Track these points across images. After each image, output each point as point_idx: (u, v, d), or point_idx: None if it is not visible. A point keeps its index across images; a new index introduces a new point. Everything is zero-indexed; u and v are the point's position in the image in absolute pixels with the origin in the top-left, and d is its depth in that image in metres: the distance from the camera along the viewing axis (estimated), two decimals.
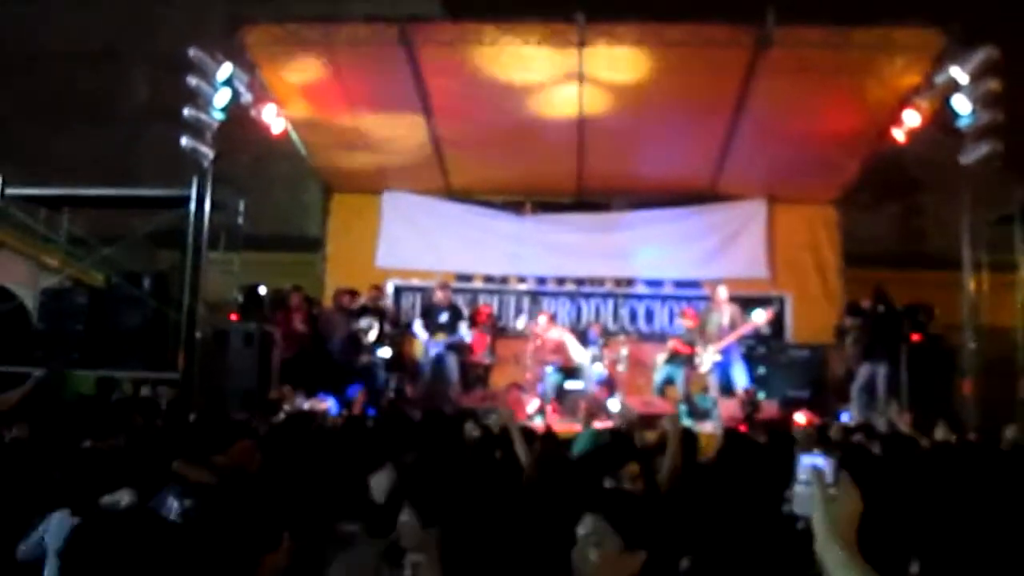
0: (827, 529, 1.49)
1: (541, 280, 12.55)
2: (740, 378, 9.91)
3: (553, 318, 11.11)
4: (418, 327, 10.60)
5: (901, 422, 7.48)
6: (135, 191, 10.20)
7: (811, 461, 1.57)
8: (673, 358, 10.30)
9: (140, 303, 9.56)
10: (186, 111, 8.74)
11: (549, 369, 10.68)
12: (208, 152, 8.99)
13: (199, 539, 2.37)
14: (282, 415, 7.76)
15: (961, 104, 8.64)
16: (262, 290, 10.46)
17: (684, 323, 10.50)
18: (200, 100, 8.88)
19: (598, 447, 4.87)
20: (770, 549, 2.05)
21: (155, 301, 9.56)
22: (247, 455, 3.73)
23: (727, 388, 9.96)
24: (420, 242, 12.52)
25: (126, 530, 2.07)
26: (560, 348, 10.41)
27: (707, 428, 8.85)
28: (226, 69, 8.96)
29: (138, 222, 10.56)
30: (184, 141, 8.74)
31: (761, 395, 9.89)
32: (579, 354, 10.41)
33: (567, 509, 2.21)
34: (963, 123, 8.67)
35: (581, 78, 9.88)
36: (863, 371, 9.37)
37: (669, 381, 10.32)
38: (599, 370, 10.60)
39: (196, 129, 8.87)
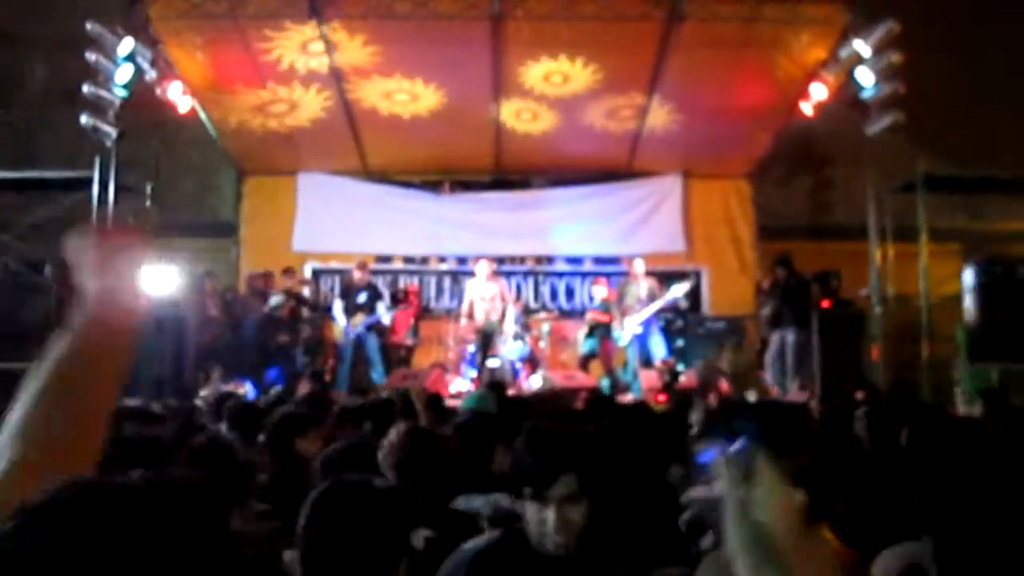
0: (753, 551, 1.05)
1: (461, 260, 12.46)
2: (658, 350, 10.06)
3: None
4: (337, 309, 10.43)
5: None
6: (31, 173, 9.73)
7: (710, 452, 1.17)
8: (593, 331, 10.40)
9: (42, 291, 9.14)
10: (86, 88, 8.38)
11: (472, 347, 10.67)
12: (111, 131, 8.64)
13: None
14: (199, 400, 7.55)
15: (865, 77, 8.93)
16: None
17: (597, 291, 10.66)
18: (100, 77, 8.52)
19: None
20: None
21: (59, 289, 9.16)
22: None
23: (646, 360, 10.10)
24: (337, 224, 12.30)
25: None
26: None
27: (628, 399, 8.95)
28: (127, 44, 8.60)
29: (40, 209, 10.10)
30: (84, 119, 8.39)
31: (680, 366, 10.03)
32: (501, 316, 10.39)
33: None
34: (867, 95, 8.97)
35: (496, 52, 9.83)
36: (773, 339, 9.61)
37: (592, 355, 10.42)
38: (522, 347, 10.61)
39: (97, 107, 8.52)
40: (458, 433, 3.51)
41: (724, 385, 8.87)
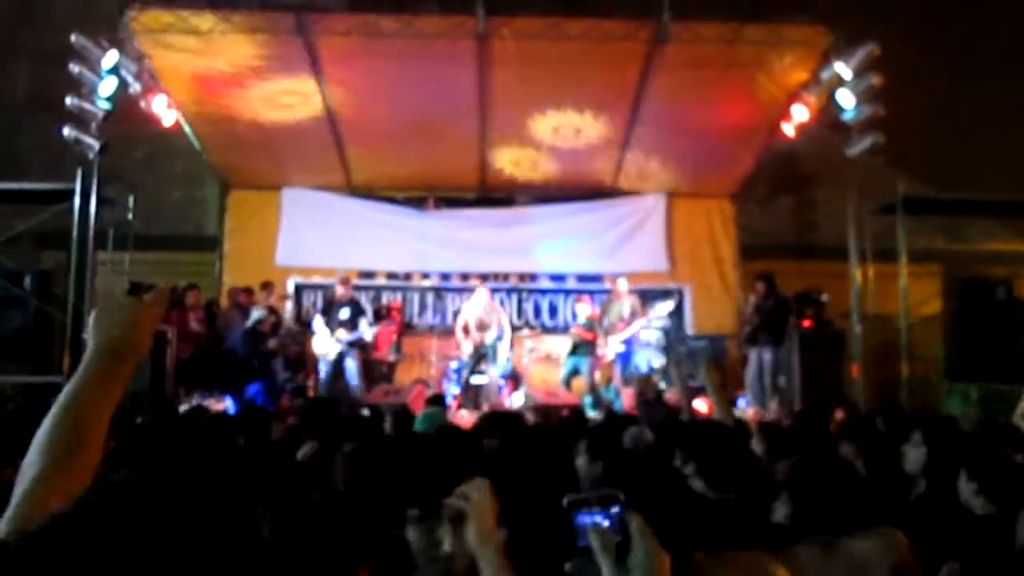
0: None
1: (445, 276, 12.48)
2: (643, 367, 10.10)
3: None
4: (318, 323, 10.39)
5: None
6: (12, 185, 9.66)
7: (589, 520, 1.19)
8: (576, 348, 10.41)
9: (22, 303, 9.07)
10: (69, 100, 8.34)
11: (455, 364, 10.66)
12: (93, 143, 8.60)
13: None
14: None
15: (845, 98, 9.03)
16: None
17: (581, 309, 10.69)
18: (84, 89, 8.49)
19: None
20: None
21: (38, 301, 9.09)
22: None
23: (630, 378, 10.13)
24: (321, 239, 12.27)
25: None
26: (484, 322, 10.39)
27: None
28: (112, 56, 8.59)
29: (21, 220, 10.03)
30: (67, 131, 8.34)
31: (663, 384, 10.05)
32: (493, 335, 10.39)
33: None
34: (848, 117, 9.07)
35: (482, 72, 9.88)
36: (751, 357, 9.65)
37: (575, 372, 10.42)
38: (505, 364, 10.62)
39: (80, 119, 8.48)
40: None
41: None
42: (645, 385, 9.76)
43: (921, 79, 10.88)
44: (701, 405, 9.57)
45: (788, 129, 10.26)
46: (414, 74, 9.86)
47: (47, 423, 1.35)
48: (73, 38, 8.39)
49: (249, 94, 10.25)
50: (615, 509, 1.18)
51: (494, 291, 12.00)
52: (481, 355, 10.31)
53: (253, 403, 9.26)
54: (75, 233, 8.81)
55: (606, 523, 1.17)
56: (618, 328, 10.10)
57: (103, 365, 1.41)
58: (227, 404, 9.02)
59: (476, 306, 10.58)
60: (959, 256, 11.26)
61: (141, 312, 1.48)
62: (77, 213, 8.80)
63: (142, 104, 9.51)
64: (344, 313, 10.19)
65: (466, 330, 10.48)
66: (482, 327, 10.37)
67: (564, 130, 11.06)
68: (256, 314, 10.27)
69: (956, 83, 11.57)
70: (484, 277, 12.14)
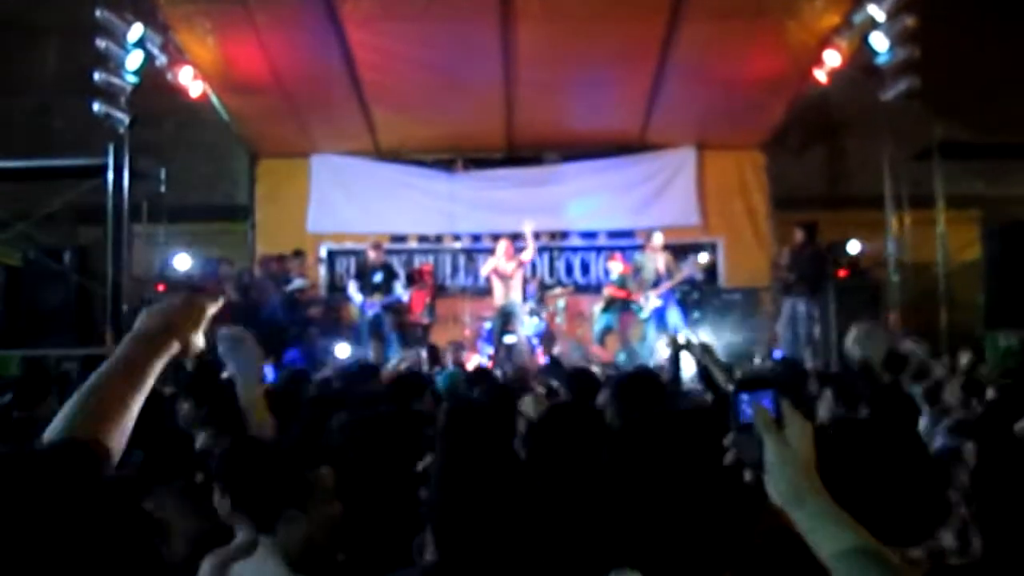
0: (791, 478, 1.26)
1: (476, 237, 12.48)
2: (676, 323, 10.06)
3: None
4: (353, 289, 10.47)
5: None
6: (46, 162, 9.79)
7: (752, 399, 1.37)
8: (609, 306, 10.40)
9: (62, 279, 9.24)
10: (97, 75, 8.40)
11: (488, 325, 10.70)
12: (123, 117, 8.68)
13: None
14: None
15: (879, 42, 8.81)
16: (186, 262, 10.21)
17: (613, 267, 10.65)
18: (111, 63, 8.55)
19: None
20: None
21: (78, 276, 9.25)
22: None
23: (663, 334, 10.10)
24: (351, 205, 12.33)
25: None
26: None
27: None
28: (137, 30, 8.63)
29: (55, 197, 10.17)
30: (96, 107, 8.42)
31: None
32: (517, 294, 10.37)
33: None
34: (882, 60, 8.86)
35: (506, 29, 9.76)
36: (785, 307, 9.57)
37: (608, 329, 10.43)
38: (537, 323, 10.64)
39: (109, 94, 8.55)
40: None
41: None
42: (673, 342, 9.73)
43: (957, 18, 10.57)
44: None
45: (820, 75, 10.03)
46: (438, 34, 9.77)
47: (70, 401, 1.36)
48: (98, 13, 8.42)
49: (273, 62, 10.23)
50: (770, 393, 1.38)
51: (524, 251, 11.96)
52: (508, 314, 10.29)
53: (292, 368, 9.39)
54: (110, 207, 8.92)
55: (766, 403, 1.36)
56: (651, 283, 10.05)
57: (131, 347, 1.46)
58: (267, 371, 9.14)
59: (498, 255, 10.51)
60: (998, 201, 11.01)
61: (183, 300, 1.54)
62: (111, 187, 8.90)
63: (169, 77, 9.56)
64: (377, 277, 10.27)
65: (498, 273, 10.41)
66: (502, 276, 10.33)
67: (590, 85, 10.90)
68: (298, 282, 10.41)
69: (993, 22, 11.22)
70: (514, 237, 11.93)
